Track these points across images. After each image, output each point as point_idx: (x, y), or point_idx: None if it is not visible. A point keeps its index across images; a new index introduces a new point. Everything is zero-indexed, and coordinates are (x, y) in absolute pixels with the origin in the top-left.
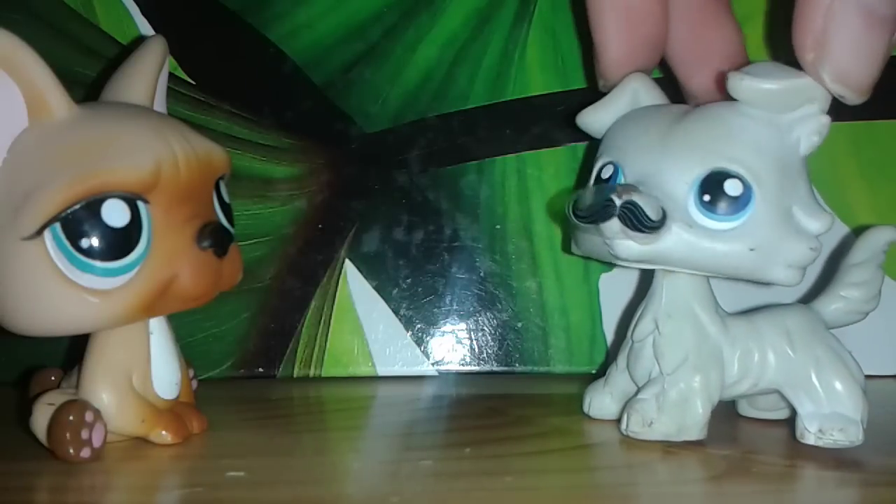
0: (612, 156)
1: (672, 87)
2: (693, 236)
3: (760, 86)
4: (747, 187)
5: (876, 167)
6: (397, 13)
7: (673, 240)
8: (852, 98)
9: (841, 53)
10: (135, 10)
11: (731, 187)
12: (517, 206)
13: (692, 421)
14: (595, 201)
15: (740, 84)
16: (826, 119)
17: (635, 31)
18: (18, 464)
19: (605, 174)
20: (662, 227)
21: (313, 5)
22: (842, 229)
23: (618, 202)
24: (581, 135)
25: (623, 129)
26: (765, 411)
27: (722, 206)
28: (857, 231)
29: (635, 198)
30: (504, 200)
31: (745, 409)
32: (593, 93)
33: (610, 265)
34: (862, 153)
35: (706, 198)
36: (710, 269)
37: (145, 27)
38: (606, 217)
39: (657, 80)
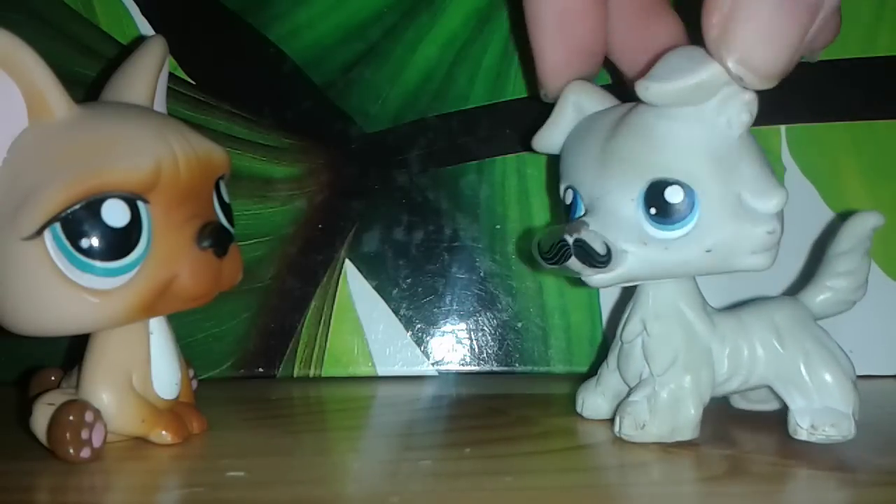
0: (568, 179)
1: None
2: (649, 252)
3: (669, 87)
4: (688, 191)
5: (876, 167)
6: (397, 13)
7: (633, 261)
8: (753, 82)
9: (747, 35)
10: (135, 10)
11: (672, 195)
12: (517, 206)
13: (685, 421)
14: (552, 243)
15: (647, 92)
16: (750, 95)
17: (571, 35)
18: (18, 464)
19: (567, 199)
20: (611, 259)
21: (313, 5)
22: (830, 218)
23: (570, 241)
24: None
25: (570, 147)
26: (757, 403)
27: (669, 215)
28: (842, 216)
29: (583, 235)
30: (504, 200)
31: (737, 402)
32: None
33: None
34: (862, 153)
35: (653, 211)
36: (677, 276)
37: (145, 27)
38: (566, 257)
39: (607, 87)
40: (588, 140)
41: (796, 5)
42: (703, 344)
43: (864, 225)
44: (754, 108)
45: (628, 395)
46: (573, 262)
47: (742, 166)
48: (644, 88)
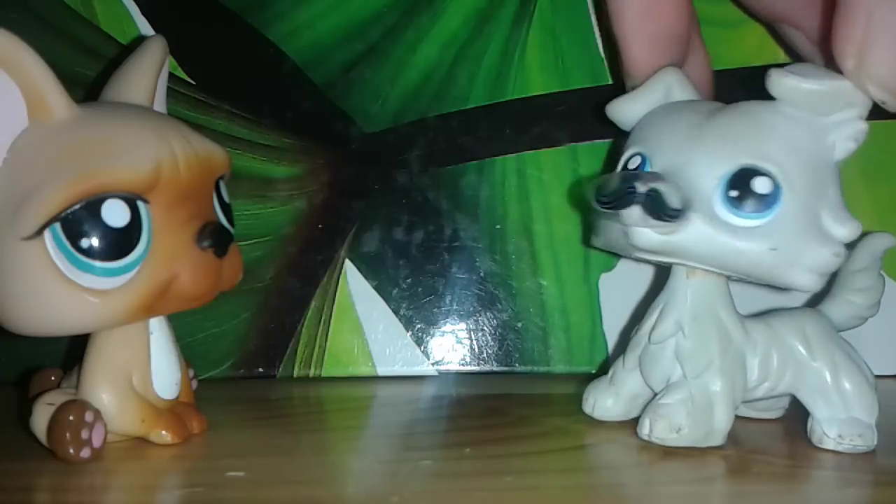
0: (640, 147)
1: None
2: (713, 230)
3: (801, 85)
4: (777, 186)
5: (876, 167)
6: (397, 13)
7: (692, 232)
8: (894, 104)
9: (883, 60)
10: (135, 10)
11: (761, 185)
12: (517, 206)
13: (718, 427)
14: (618, 187)
15: (782, 81)
16: (864, 125)
17: (657, 22)
18: (18, 464)
19: (633, 164)
20: (683, 216)
21: (313, 5)
22: None
23: (641, 189)
24: (581, 135)
25: (654, 120)
26: (760, 411)
27: (748, 203)
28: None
29: (659, 185)
30: (504, 200)
31: (740, 411)
32: (617, 89)
33: (611, 265)
34: (862, 153)
35: (733, 193)
36: (726, 267)
37: (145, 27)
38: (628, 204)
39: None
40: (682, 115)
41: None
42: (738, 349)
43: (877, 245)
44: (862, 140)
45: (657, 397)
46: (632, 211)
47: (830, 188)
48: (780, 76)
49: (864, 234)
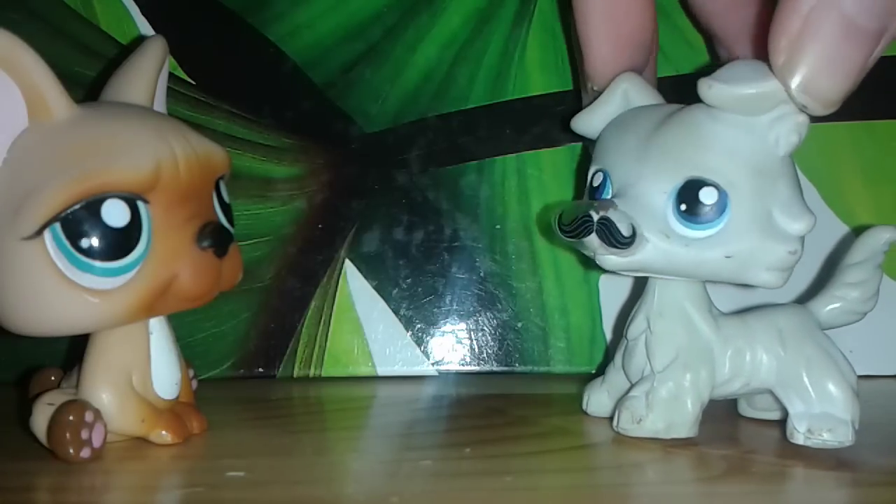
0: (601, 163)
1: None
2: (670, 246)
3: (730, 92)
4: (722, 195)
5: (876, 167)
6: (397, 13)
7: (651, 250)
8: (815, 109)
9: (812, 62)
10: (135, 10)
11: (706, 195)
12: (517, 206)
13: (681, 419)
14: (575, 217)
15: (709, 91)
16: (803, 118)
17: (619, 29)
18: (18, 464)
19: (596, 182)
20: (634, 243)
21: (313, 5)
22: (841, 229)
23: (595, 217)
24: (581, 135)
25: (609, 135)
26: (762, 411)
27: (698, 214)
28: (857, 231)
29: (610, 214)
30: (504, 200)
31: (744, 409)
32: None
33: None
34: (862, 153)
35: (683, 207)
36: (690, 276)
37: (145, 27)
38: (586, 233)
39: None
40: (632, 128)
41: (862, 33)
42: (705, 344)
43: (878, 238)
44: (804, 132)
45: (629, 390)
46: (591, 239)
47: (779, 185)
48: (707, 87)
49: (865, 228)
